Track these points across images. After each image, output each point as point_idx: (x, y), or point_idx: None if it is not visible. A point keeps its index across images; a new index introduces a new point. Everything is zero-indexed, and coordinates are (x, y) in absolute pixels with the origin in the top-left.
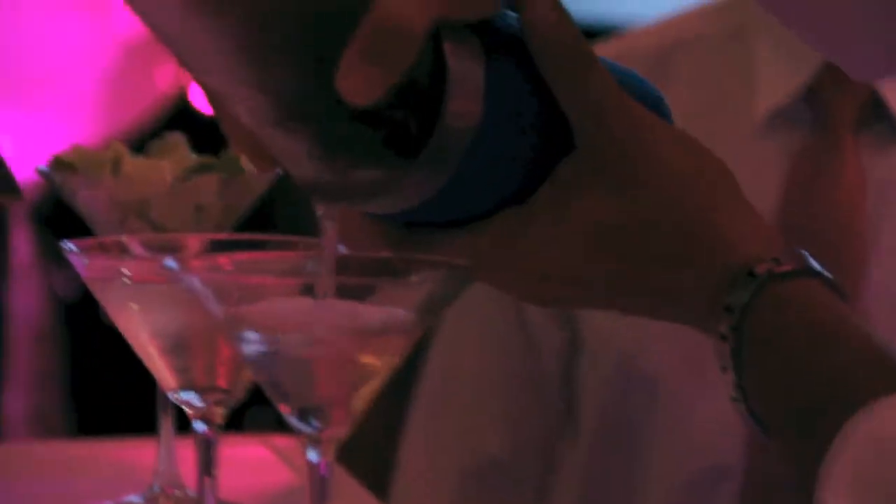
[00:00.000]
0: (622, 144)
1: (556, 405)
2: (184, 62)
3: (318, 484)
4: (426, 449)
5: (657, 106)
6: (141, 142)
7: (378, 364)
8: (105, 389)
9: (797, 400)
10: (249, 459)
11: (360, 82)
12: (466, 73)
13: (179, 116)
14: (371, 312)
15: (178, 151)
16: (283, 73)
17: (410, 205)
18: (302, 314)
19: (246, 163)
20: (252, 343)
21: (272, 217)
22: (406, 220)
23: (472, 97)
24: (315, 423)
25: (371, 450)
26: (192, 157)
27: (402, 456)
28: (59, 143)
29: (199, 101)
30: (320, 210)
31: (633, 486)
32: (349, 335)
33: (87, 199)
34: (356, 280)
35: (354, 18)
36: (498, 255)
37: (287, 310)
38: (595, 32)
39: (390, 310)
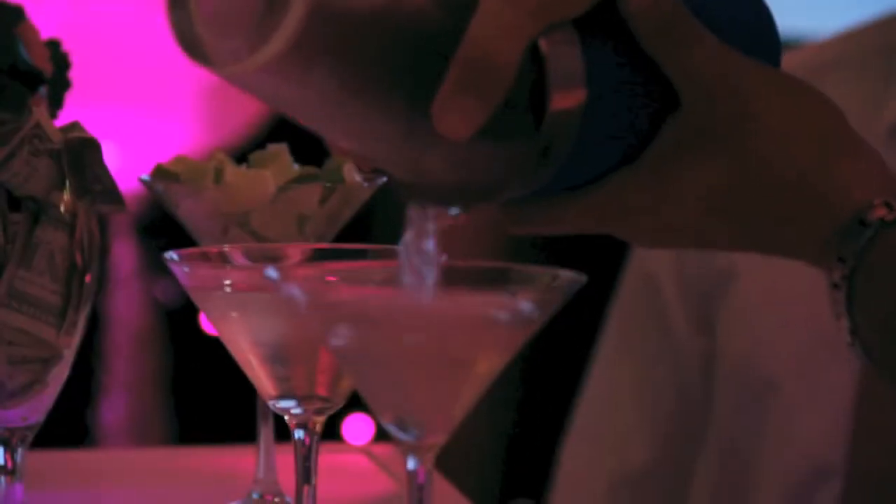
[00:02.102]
0: (724, 107)
1: (695, 415)
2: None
3: (417, 492)
4: (583, 455)
5: (763, 39)
6: (243, 152)
7: (478, 366)
8: (205, 397)
9: None
10: (348, 467)
11: (456, 118)
12: (565, 60)
13: (281, 127)
14: (470, 299)
15: (281, 162)
16: (380, 120)
17: (530, 189)
18: (396, 301)
19: (347, 173)
20: (344, 338)
21: (371, 226)
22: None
23: (574, 82)
24: (414, 430)
25: (474, 458)
26: (294, 168)
27: (562, 459)
28: (162, 153)
29: None
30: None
31: (745, 489)
32: (446, 324)
33: (189, 209)
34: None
35: (444, 58)
36: (611, 211)
37: (381, 298)
38: None
39: (488, 297)
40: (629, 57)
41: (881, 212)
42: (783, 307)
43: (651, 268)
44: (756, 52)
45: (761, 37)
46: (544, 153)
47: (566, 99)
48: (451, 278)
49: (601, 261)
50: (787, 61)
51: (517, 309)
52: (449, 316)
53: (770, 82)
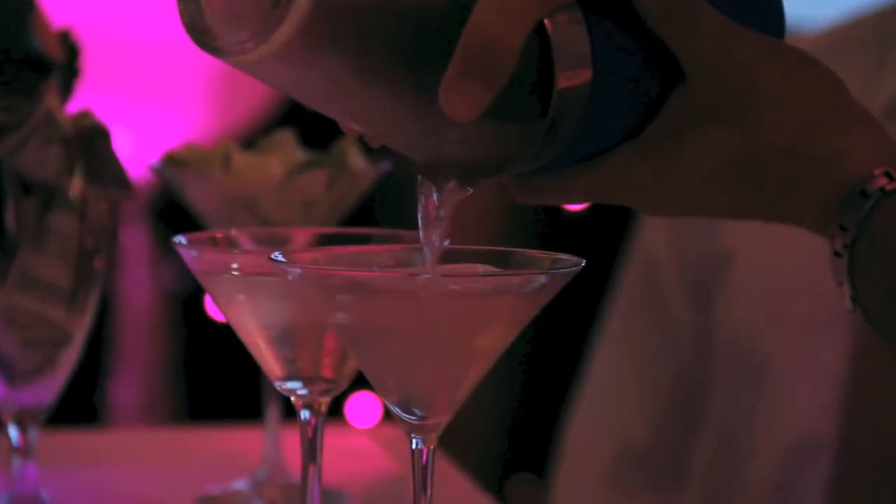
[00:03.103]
0: (730, 83)
1: (694, 393)
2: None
3: (421, 472)
4: (586, 433)
5: (766, 9)
6: (251, 139)
7: (480, 347)
8: (213, 378)
9: None
10: (353, 448)
11: (462, 102)
12: (570, 41)
13: (289, 113)
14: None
15: (287, 148)
16: (388, 103)
17: (539, 164)
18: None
19: (351, 159)
20: (348, 316)
21: (376, 211)
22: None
23: (579, 62)
24: (417, 411)
25: (476, 436)
26: (300, 154)
27: (566, 438)
28: (173, 140)
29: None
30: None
31: (739, 463)
32: (451, 295)
33: (197, 194)
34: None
35: (449, 42)
36: (617, 184)
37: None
38: None
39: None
40: (634, 36)
41: (882, 181)
42: (778, 288)
43: (651, 251)
44: (760, 23)
45: (765, 7)
46: (550, 130)
47: (572, 78)
48: (454, 261)
49: (603, 244)
50: None
51: (518, 285)
52: (450, 292)
53: (774, 56)
